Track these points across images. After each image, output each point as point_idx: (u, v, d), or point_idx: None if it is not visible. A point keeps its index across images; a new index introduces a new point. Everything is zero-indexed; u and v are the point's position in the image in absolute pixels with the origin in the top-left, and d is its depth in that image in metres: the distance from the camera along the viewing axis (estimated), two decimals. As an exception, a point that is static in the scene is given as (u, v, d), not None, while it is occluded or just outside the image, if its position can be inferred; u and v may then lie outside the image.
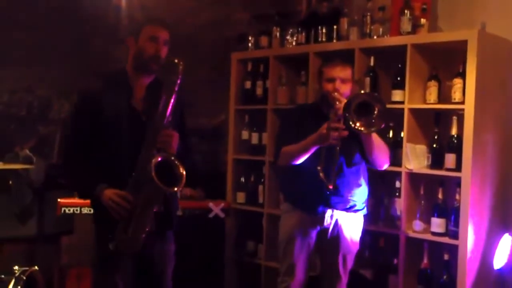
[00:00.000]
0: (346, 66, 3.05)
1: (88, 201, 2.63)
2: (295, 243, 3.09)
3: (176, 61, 2.43)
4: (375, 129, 2.79)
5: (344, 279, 3.14)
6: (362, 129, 2.77)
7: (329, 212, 3.05)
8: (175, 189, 2.41)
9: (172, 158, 2.40)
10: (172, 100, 2.41)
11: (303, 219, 3.09)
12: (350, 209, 3.09)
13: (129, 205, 2.39)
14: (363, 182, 3.12)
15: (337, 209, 3.05)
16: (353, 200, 3.07)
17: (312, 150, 2.94)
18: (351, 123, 2.74)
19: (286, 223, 3.16)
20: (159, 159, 2.36)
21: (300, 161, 2.99)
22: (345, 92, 2.98)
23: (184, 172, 2.39)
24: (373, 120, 2.75)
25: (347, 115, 2.74)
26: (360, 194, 3.10)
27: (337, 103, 2.87)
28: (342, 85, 2.99)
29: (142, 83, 2.56)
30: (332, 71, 3.01)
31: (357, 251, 3.18)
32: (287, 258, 3.13)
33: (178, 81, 2.41)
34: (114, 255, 2.45)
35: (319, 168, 2.89)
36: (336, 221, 3.07)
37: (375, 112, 2.75)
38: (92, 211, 2.64)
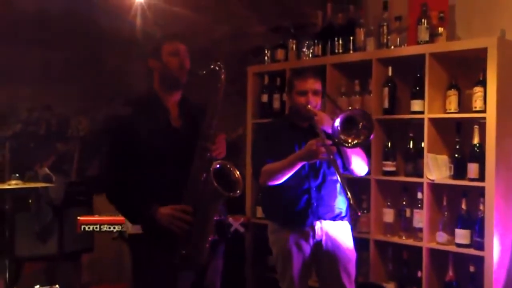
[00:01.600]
0: (317, 78, 3.08)
1: (108, 218, 2.62)
2: (291, 261, 3.05)
3: (217, 68, 2.48)
4: (364, 137, 2.80)
5: None
6: (356, 141, 2.81)
7: (318, 224, 3.03)
8: (237, 192, 2.40)
9: (228, 165, 2.43)
10: (217, 108, 2.46)
11: (293, 235, 3.05)
12: (337, 217, 3.07)
13: (190, 217, 2.38)
14: (342, 191, 3.08)
15: (325, 219, 3.04)
16: (339, 208, 3.06)
17: (298, 167, 2.94)
18: (344, 144, 2.80)
19: (278, 243, 3.13)
20: (217, 166, 2.38)
21: (284, 178, 2.97)
22: (317, 104, 3.03)
23: (240, 177, 2.41)
24: (360, 131, 2.79)
25: (336, 140, 2.78)
26: (342, 202, 3.08)
27: (315, 117, 2.92)
28: (314, 97, 3.02)
29: (173, 102, 2.58)
30: (304, 84, 3.03)
31: (356, 259, 3.13)
32: (286, 277, 3.09)
33: (222, 88, 2.46)
34: (176, 272, 2.42)
35: (349, 196, 2.79)
36: (327, 233, 3.04)
37: (360, 124, 2.79)
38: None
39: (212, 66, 2.48)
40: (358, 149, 2.99)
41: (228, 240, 2.64)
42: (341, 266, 3.05)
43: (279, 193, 3.06)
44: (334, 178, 3.01)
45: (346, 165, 3.04)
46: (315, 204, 3.02)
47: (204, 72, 2.49)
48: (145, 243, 2.51)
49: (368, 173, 3.18)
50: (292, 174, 2.96)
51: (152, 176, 2.44)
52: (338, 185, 3.06)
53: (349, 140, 2.81)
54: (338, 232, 3.07)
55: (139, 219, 2.52)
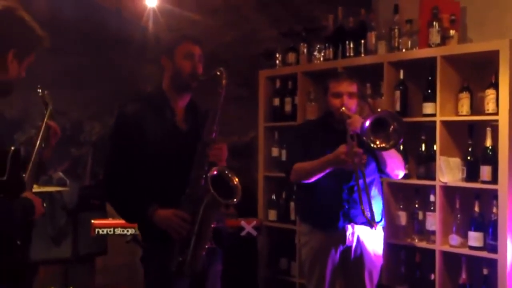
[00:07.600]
0: (353, 80, 3.06)
1: (121, 221, 2.62)
2: (319, 264, 3.06)
3: (218, 73, 2.42)
4: (394, 142, 2.80)
5: None
6: (384, 145, 2.80)
7: (350, 229, 3.02)
8: (234, 200, 2.37)
9: (226, 171, 2.40)
10: (218, 114, 2.42)
11: (324, 239, 3.05)
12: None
13: (188, 223, 2.36)
14: (377, 193, 3.09)
15: (356, 222, 3.02)
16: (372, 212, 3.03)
17: (327, 171, 2.93)
18: (372, 144, 2.79)
19: (308, 245, 3.13)
20: (214, 172, 2.35)
21: (313, 179, 2.98)
22: (352, 107, 3.01)
23: (239, 183, 2.38)
24: (390, 134, 2.79)
25: (364, 138, 2.77)
26: (376, 205, 3.05)
27: (348, 120, 2.90)
28: (349, 99, 3.01)
29: (180, 105, 2.55)
30: (339, 86, 3.02)
31: (381, 265, 3.14)
32: (313, 280, 3.10)
33: (223, 93, 2.42)
34: (172, 277, 2.38)
35: (362, 208, 2.88)
36: (358, 238, 3.04)
37: (391, 127, 2.78)
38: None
39: (214, 72, 2.44)
40: (393, 152, 2.98)
41: (224, 247, 2.59)
42: (366, 272, 3.06)
43: (312, 193, 3.05)
44: (368, 180, 2.98)
45: (381, 168, 3.03)
46: (346, 207, 3.00)
47: (206, 77, 2.45)
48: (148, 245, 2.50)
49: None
50: (324, 175, 2.95)
51: (152, 176, 2.42)
52: (374, 188, 3.05)
53: (377, 142, 2.80)
54: (370, 238, 3.05)
55: (136, 218, 2.50)
